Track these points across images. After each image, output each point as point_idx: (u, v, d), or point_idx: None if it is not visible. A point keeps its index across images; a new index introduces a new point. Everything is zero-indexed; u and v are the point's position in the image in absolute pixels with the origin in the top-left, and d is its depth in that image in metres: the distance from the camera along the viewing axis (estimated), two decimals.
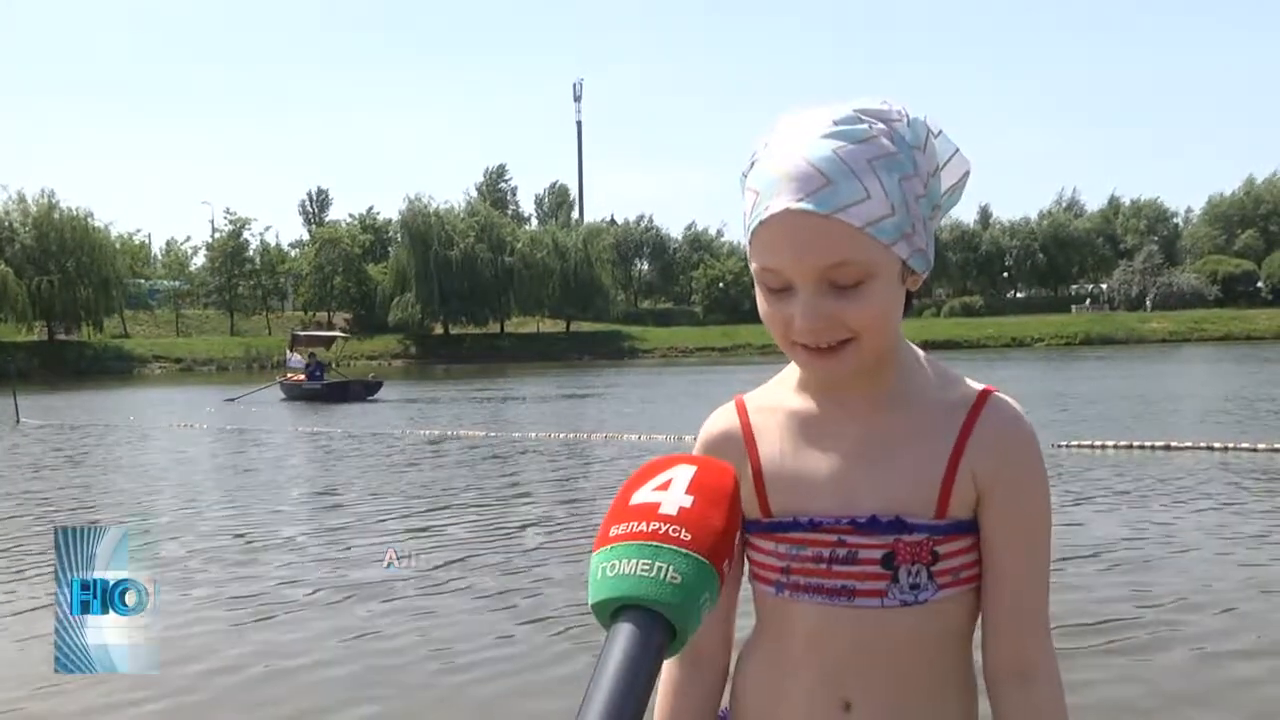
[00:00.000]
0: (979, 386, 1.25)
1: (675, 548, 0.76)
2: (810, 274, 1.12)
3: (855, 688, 1.22)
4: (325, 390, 30.83)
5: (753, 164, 1.16)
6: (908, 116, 1.18)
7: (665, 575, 0.74)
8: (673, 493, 0.80)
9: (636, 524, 0.78)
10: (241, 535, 9.13)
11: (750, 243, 1.17)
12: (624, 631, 0.72)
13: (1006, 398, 1.25)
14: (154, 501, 11.25)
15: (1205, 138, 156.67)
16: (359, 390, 31.20)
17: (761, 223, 1.13)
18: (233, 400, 30.84)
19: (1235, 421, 16.64)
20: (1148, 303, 76.09)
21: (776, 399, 1.29)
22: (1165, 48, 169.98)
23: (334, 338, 43.00)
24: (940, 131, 1.23)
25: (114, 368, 60.65)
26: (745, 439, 1.27)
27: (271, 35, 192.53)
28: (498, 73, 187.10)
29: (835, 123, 1.13)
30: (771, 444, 1.26)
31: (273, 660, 5.59)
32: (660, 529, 0.77)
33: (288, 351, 38.24)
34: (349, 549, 8.42)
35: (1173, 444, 13.34)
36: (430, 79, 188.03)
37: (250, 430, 20.91)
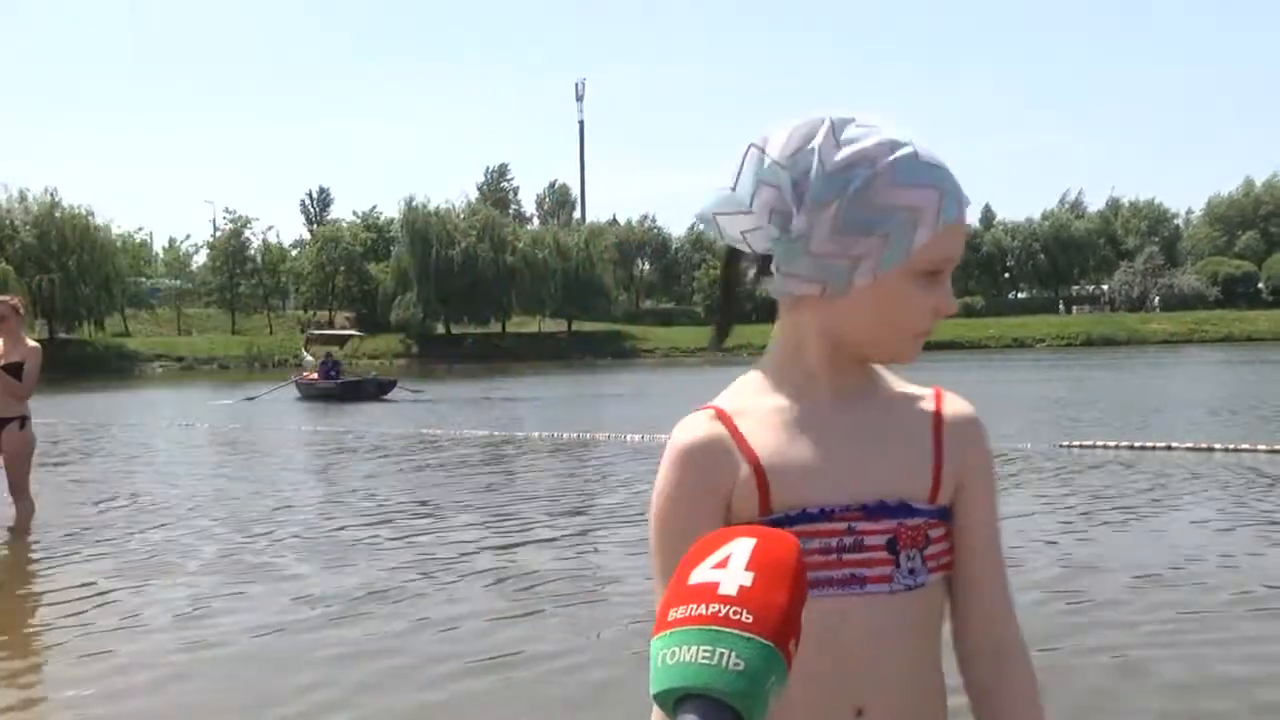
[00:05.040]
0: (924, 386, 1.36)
1: (737, 631, 0.73)
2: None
3: (867, 687, 1.24)
4: (339, 389, 30.65)
5: (900, 154, 1.20)
6: None
7: (727, 662, 0.72)
8: (731, 570, 0.76)
9: (695, 606, 0.75)
10: (249, 540, 9.12)
11: (922, 243, 1.21)
12: None
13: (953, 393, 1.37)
14: (149, 501, 11.26)
15: (1206, 139, 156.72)
16: (372, 389, 31.01)
17: (956, 219, 1.23)
18: (252, 399, 30.75)
19: (1236, 423, 16.66)
20: (1155, 303, 76.07)
21: (754, 403, 1.30)
22: (1166, 50, 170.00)
23: (349, 336, 42.98)
24: None
25: (115, 366, 60.71)
26: (736, 440, 1.26)
27: (272, 34, 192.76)
28: (500, 72, 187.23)
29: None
30: (766, 442, 1.26)
31: (284, 663, 5.60)
32: (720, 611, 0.74)
33: (303, 350, 38.23)
34: (356, 553, 8.43)
35: (1173, 444, 13.35)
36: (432, 78, 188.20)
37: (265, 430, 20.91)
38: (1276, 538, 8.12)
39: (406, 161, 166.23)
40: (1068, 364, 42.41)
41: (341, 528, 9.26)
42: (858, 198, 1.19)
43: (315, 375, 32.34)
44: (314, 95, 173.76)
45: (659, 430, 16.42)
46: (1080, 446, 13.69)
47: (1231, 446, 13.04)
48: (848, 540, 1.24)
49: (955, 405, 1.35)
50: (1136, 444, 13.51)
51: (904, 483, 1.27)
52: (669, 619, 0.76)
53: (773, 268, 1.25)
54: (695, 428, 1.28)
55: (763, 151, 1.22)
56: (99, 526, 9.45)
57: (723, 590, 0.75)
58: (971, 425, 1.34)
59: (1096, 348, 62.02)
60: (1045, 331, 70.39)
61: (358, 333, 49.72)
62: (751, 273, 1.29)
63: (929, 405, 1.34)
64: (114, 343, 66.68)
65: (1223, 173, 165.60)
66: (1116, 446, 13.47)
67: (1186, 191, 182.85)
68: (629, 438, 16.27)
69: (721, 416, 1.28)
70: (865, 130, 1.22)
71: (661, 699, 0.74)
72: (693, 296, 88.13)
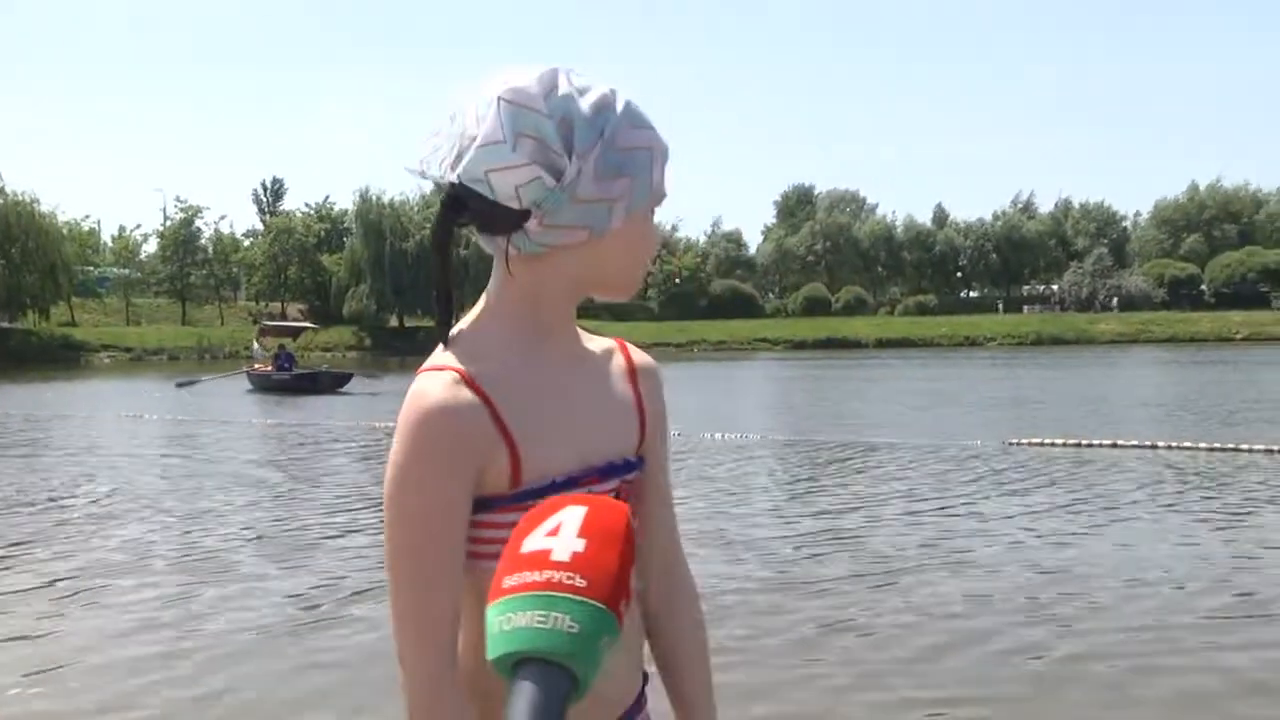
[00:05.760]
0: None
1: (570, 596, 0.75)
2: None
3: None
4: (294, 381, 30.20)
5: (625, 99, 1.25)
6: None
7: (562, 625, 0.74)
8: (563, 538, 0.79)
9: (529, 574, 0.77)
10: (211, 539, 9.02)
11: (659, 181, 1.27)
12: (525, 688, 0.73)
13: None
14: (103, 498, 11.09)
15: (1155, 142, 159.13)
16: (328, 382, 30.52)
17: (668, 158, 1.28)
18: (187, 384, 30.27)
19: (1180, 421, 16.97)
20: (1114, 304, 77.04)
21: (491, 366, 1.25)
22: (1118, 54, 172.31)
23: (303, 328, 42.57)
24: None
25: (61, 356, 59.58)
26: (488, 408, 1.22)
27: (226, 22, 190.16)
28: (456, 64, 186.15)
29: None
30: (513, 411, 1.23)
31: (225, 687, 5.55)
32: (554, 577, 0.76)
33: (254, 342, 37.76)
34: (305, 555, 8.36)
35: (1120, 442, 13.59)
36: (388, 68, 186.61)
37: (222, 423, 20.62)
38: (1228, 535, 8.29)
39: (361, 153, 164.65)
40: (1019, 363, 42.92)
41: (306, 525, 9.13)
42: (610, 142, 1.22)
43: (269, 367, 31.94)
44: (268, 84, 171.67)
45: None
46: (1029, 444, 13.90)
47: (1175, 444, 13.33)
48: None
49: (641, 356, 1.42)
50: (1084, 441, 13.74)
51: (622, 441, 1.33)
52: (504, 586, 0.78)
53: (534, 221, 1.21)
54: (441, 391, 1.21)
55: (514, 103, 1.19)
56: (51, 526, 9.27)
57: (555, 557, 0.77)
58: (656, 375, 1.42)
59: (1046, 347, 62.79)
60: (996, 330, 71.15)
61: (311, 325, 49.16)
62: (493, 232, 1.24)
63: (622, 358, 1.40)
64: (60, 332, 65.39)
65: (1171, 175, 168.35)
66: (1064, 444, 13.69)
67: (1135, 194, 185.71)
68: None
69: (466, 380, 1.22)
70: (587, 79, 1.25)
71: (499, 664, 0.76)
72: (647, 291, 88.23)
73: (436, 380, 1.22)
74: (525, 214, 1.21)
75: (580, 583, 0.76)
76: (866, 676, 5.15)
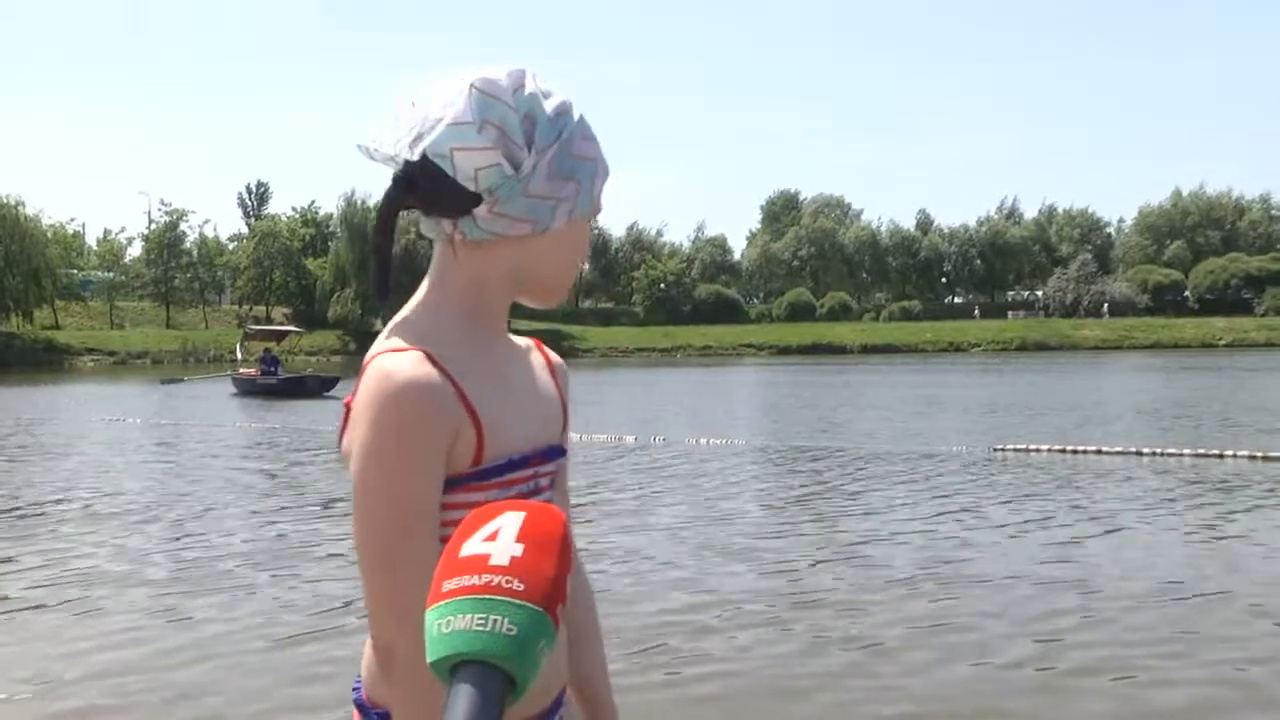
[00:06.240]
0: None
1: (509, 599, 0.77)
2: None
3: None
4: (280, 385, 30.11)
5: (579, 112, 1.31)
6: None
7: (500, 628, 0.76)
8: (502, 542, 0.80)
9: (468, 578, 0.78)
10: (202, 547, 8.97)
11: (599, 195, 1.34)
12: (464, 690, 0.74)
13: None
14: (89, 504, 11.02)
15: (1140, 148, 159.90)
16: (315, 385, 30.41)
17: (605, 180, 1.35)
18: (169, 383, 30.05)
19: (1165, 427, 17.04)
20: (1104, 309, 77.31)
21: (450, 348, 1.28)
22: (1103, 60, 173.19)
23: (288, 332, 42.49)
24: None
25: (44, 360, 59.29)
26: (454, 388, 1.25)
27: (212, 23, 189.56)
28: (446, 66, 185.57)
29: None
30: (475, 391, 1.27)
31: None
32: (492, 581, 0.77)
33: (237, 347, 37.69)
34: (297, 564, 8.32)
35: (1104, 449, 13.65)
36: (372, 70, 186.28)
37: (209, 426, 20.52)
38: (1216, 542, 8.31)
39: (346, 157, 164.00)
40: (1003, 369, 43.04)
41: (299, 530, 9.04)
42: (565, 145, 1.28)
43: (255, 371, 31.86)
44: (253, 88, 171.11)
45: (596, 430, 16.38)
46: (1015, 450, 13.94)
47: (1160, 450, 13.39)
48: (532, 484, 1.35)
49: (556, 356, 1.50)
50: (1070, 447, 13.79)
51: (555, 426, 1.41)
52: (443, 590, 0.78)
53: (484, 207, 1.26)
54: (412, 369, 1.23)
55: (484, 92, 1.25)
56: (40, 531, 9.17)
57: (494, 561, 0.78)
58: (568, 374, 1.51)
59: (1031, 353, 63.00)
60: (981, 336, 71.37)
61: (297, 329, 49.08)
62: (440, 215, 1.29)
63: (540, 356, 1.47)
64: (43, 335, 65.02)
65: (1154, 182, 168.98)
66: (1050, 450, 13.74)
67: (1119, 200, 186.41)
68: (596, 437, 16.20)
69: (432, 360, 1.25)
70: (550, 85, 1.31)
71: (437, 667, 0.77)
72: (632, 296, 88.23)
73: (404, 359, 1.24)
74: (477, 199, 1.26)
75: (519, 586, 0.77)
76: (864, 689, 5.11)
